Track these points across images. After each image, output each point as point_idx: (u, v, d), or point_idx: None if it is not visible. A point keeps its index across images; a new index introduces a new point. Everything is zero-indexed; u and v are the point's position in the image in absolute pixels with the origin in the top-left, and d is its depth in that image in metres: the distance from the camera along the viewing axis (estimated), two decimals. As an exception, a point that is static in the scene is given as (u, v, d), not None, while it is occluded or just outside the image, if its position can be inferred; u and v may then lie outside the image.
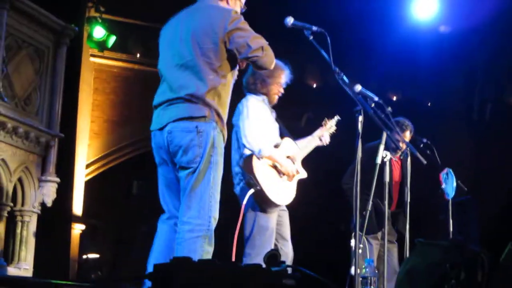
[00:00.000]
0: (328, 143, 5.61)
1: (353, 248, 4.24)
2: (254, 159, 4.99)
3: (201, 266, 2.42)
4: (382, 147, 4.94)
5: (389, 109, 4.71)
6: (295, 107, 10.19)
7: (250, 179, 4.95)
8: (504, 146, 11.64)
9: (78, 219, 10.40)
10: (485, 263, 2.85)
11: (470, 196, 7.52)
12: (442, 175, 6.16)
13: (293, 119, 9.53)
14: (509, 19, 11.18)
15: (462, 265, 2.84)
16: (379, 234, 6.28)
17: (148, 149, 4.28)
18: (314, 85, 12.44)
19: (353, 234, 4.27)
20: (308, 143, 5.54)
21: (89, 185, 11.15)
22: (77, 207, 10.42)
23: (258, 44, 3.86)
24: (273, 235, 5.10)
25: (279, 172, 5.14)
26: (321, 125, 5.68)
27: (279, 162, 5.13)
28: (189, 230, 3.70)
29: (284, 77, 5.33)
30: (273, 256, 2.55)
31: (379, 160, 4.98)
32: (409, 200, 5.45)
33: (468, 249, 2.97)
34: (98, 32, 10.68)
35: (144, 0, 12.14)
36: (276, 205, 5.08)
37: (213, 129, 3.78)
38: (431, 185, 6.50)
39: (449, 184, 6.15)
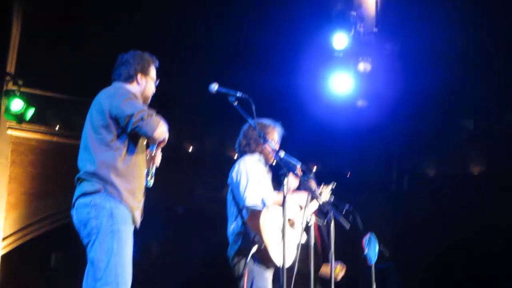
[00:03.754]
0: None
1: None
2: (262, 215, 4.70)
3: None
4: (307, 210, 4.86)
5: (312, 173, 4.76)
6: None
7: (255, 237, 4.66)
8: (421, 214, 11.97)
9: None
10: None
11: (391, 263, 7.61)
12: (365, 240, 6.18)
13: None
14: (421, 95, 11.67)
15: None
16: None
17: (67, 222, 4.30)
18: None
19: None
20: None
21: (6, 259, 10.70)
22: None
23: (136, 113, 3.90)
24: None
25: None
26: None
27: (287, 200, 4.53)
28: None
29: (276, 134, 5.17)
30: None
31: (303, 224, 4.82)
32: (333, 265, 5.22)
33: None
34: (16, 104, 10.46)
35: (63, 73, 12.08)
36: (275, 265, 4.76)
37: (109, 201, 3.90)
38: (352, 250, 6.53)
39: (372, 249, 6.17)
